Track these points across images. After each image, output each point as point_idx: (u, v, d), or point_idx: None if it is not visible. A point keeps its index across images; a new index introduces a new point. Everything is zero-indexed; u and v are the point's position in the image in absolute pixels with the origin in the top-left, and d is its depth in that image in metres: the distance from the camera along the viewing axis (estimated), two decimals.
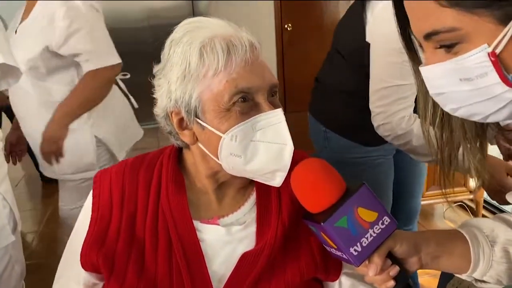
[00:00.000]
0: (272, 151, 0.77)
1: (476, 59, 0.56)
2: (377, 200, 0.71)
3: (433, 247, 0.73)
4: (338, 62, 1.48)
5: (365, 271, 0.72)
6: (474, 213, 2.58)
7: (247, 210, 0.87)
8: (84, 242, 0.84)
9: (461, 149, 0.78)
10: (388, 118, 1.26)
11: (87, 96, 1.74)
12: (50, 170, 1.82)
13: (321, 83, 1.59)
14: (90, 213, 0.86)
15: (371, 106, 1.30)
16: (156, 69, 0.85)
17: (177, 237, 0.81)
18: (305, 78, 4.20)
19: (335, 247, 0.72)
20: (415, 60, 0.70)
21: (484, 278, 0.73)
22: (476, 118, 0.62)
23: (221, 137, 0.76)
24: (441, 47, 0.58)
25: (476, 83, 0.57)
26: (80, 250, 0.83)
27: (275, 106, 0.79)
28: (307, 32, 4.62)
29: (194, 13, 4.67)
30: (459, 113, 0.63)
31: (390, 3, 1.22)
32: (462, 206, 2.87)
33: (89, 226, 0.85)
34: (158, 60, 0.85)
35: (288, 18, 4.60)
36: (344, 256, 0.71)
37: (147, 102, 0.90)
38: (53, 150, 1.73)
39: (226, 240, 0.83)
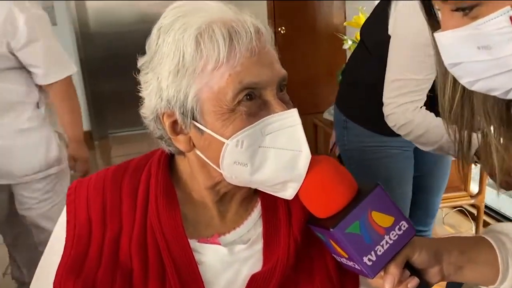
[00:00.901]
0: (285, 158, 0.65)
1: (497, 24, 0.49)
2: (393, 203, 0.63)
3: (456, 256, 0.65)
4: (363, 54, 1.53)
5: (380, 283, 0.63)
6: (475, 218, 2.53)
7: (251, 225, 0.76)
8: (58, 267, 0.70)
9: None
10: (395, 109, 1.30)
11: (77, 103, 1.87)
12: (11, 176, 1.77)
13: (346, 75, 1.66)
14: (65, 233, 0.74)
15: (384, 97, 1.33)
16: (141, 62, 0.72)
17: (171, 260, 0.69)
18: (299, 81, 4.21)
19: (346, 256, 0.63)
20: (434, 26, 0.62)
21: None
22: (495, 93, 0.56)
23: (224, 143, 0.65)
24: (458, 10, 0.52)
25: (496, 52, 0.51)
26: (53, 272, 0.71)
27: (285, 104, 0.68)
28: (301, 34, 4.57)
29: None
30: (476, 87, 0.57)
31: None
32: (462, 211, 2.82)
33: (64, 248, 0.72)
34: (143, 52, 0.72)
35: (281, 21, 4.55)
36: (356, 266, 0.63)
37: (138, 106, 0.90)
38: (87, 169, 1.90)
39: (228, 261, 0.72)
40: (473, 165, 2.46)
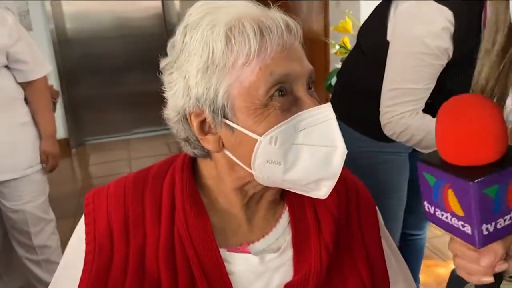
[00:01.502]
0: (319, 155, 0.64)
1: None
2: None
3: None
4: (358, 59, 1.50)
5: (474, 255, 0.58)
6: None
7: (280, 232, 0.75)
8: (81, 282, 0.67)
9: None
10: (393, 118, 1.28)
11: (50, 101, 2.01)
12: (15, 169, 1.86)
13: (340, 79, 1.62)
14: (84, 245, 0.70)
15: (381, 105, 1.31)
16: (164, 62, 0.70)
17: (201, 272, 0.67)
18: None
19: (462, 214, 0.56)
20: None
21: None
22: None
23: (257, 140, 0.63)
24: None
25: None
26: (71, 285, 0.68)
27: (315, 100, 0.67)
28: None
29: (165, 23, 4.58)
30: None
31: (414, 4, 1.23)
32: None
33: (85, 262, 0.69)
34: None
35: None
36: (466, 229, 0.56)
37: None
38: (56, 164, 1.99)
39: (260, 271, 0.71)
40: None
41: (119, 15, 4.43)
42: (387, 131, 1.32)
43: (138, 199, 0.72)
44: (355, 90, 1.51)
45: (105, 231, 0.70)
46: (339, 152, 0.64)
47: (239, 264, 0.71)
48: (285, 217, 0.76)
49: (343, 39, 2.61)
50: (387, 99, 1.30)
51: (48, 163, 1.97)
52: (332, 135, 0.64)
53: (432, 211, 0.61)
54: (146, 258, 0.69)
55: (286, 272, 0.71)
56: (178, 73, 0.67)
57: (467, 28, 1.22)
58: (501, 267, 0.58)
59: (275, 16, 0.66)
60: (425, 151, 1.33)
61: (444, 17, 1.20)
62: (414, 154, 1.53)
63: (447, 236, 0.62)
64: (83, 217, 0.74)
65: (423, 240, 1.87)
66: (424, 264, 2.01)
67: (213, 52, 0.63)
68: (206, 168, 0.74)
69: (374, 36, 1.40)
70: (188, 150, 0.73)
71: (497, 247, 0.57)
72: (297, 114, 0.64)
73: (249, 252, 0.72)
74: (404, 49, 1.26)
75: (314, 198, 0.70)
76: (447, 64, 1.25)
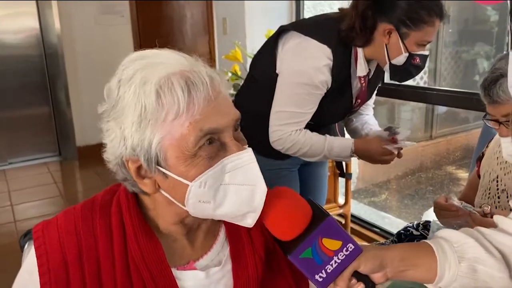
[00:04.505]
0: (243, 193, 0.72)
1: None
2: (341, 229, 0.75)
3: (397, 263, 0.77)
4: (252, 85, 1.69)
5: None
6: (344, 226, 2.89)
7: (220, 248, 0.83)
8: None
9: None
10: (281, 136, 1.52)
11: None
12: None
13: (237, 104, 1.74)
14: (37, 276, 0.73)
15: (271, 124, 1.54)
16: (101, 109, 0.74)
17: None
18: None
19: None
20: None
21: None
22: None
23: (188, 185, 0.70)
24: None
25: None
26: None
27: (240, 142, 0.75)
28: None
29: (44, 44, 4.35)
30: None
31: (299, 42, 1.44)
32: None
33: None
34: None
35: (146, 41, 4.55)
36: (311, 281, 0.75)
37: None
38: None
39: (206, 284, 0.79)
40: (340, 179, 2.84)
41: None
42: (277, 146, 1.54)
43: (89, 228, 0.76)
44: (250, 114, 1.65)
45: (60, 261, 0.73)
46: (260, 189, 0.73)
47: (188, 279, 0.78)
48: (222, 234, 0.85)
49: (234, 66, 2.79)
50: (276, 120, 1.53)
51: None
52: (254, 176, 0.73)
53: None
54: (103, 282, 0.73)
55: (227, 282, 0.80)
56: (115, 123, 0.72)
57: (341, 63, 1.49)
58: None
59: (201, 70, 0.71)
60: (311, 160, 1.60)
61: (325, 55, 1.46)
62: (302, 168, 1.78)
63: None
64: (32, 251, 0.75)
65: None
66: None
67: (145, 108, 0.68)
68: (147, 201, 0.80)
69: (265, 68, 1.60)
70: (128, 187, 0.78)
71: (340, 283, 0.75)
72: (223, 160, 0.71)
73: (196, 269, 0.80)
74: (292, 79, 1.49)
75: None
76: (326, 93, 1.51)
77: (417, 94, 2.33)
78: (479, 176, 1.48)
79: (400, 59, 1.48)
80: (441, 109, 5.33)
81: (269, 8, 3.26)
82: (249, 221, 0.75)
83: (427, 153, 5.19)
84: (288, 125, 1.51)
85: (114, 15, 4.43)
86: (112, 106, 0.73)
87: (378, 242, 2.35)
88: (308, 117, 1.52)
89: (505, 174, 1.34)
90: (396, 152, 1.58)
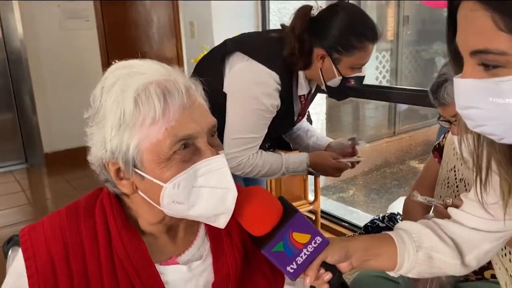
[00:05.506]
0: (215, 196, 0.76)
1: None
2: (309, 223, 0.83)
3: (361, 253, 0.85)
4: None
5: (307, 282, 0.82)
6: (314, 221, 2.98)
7: (201, 243, 0.89)
8: None
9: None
10: (240, 161, 1.56)
11: None
12: None
13: None
14: (25, 279, 0.76)
15: (227, 151, 1.53)
16: (86, 115, 0.80)
17: (141, 284, 0.79)
18: None
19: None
20: (457, 71, 0.68)
21: (409, 275, 0.89)
22: (493, 137, 0.65)
23: (163, 186, 0.75)
24: (482, 64, 0.60)
25: (505, 106, 0.59)
26: None
27: (215, 147, 0.79)
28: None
29: (6, 50, 4.26)
30: (478, 130, 0.65)
31: (248, 65, 1.54)
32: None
33: None
34: None
35: (114, 54, 4.53)
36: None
37: None
38: None
39: (188, 277, 0.84)
40: (309, 176, 2.93)
41: None
42: (236, 171, 1.57)
43: (75, 229, 0.81)
44: None
45: (47, 263, 0.77)
46: (232, 193, 0.77)
47: (171, 274, 0.83)
48: (202, 230, 0.90)
49: None
50: (233, 147, 1.55)
51: None
52: (226, 180, 0.77)
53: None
54: (90, 280, 0.77)
55: (208, 275, 0.86)
56: (97, 127, 0.78)
57: (287, 85, 1.57)
58: (326, 277, 0.82)
59: (178, 79, 0.77)
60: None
61: (274, 80, 1.51)
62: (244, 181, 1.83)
63: None
64: (19, 255, 0.79)
65: None
66: None
67: (124, 113, 0.74)
68: (128, 203, 0.85)
69: (212, 86, 1.61)
70: (110, 188, 0.84)
71: (309, 272, 0.81)
72: (196, 164, 0.75)
73: (178, 263, 0.85)
74: (245, 106, 1.54)
75: None
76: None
77: (380, 93, 2.43)
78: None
79: (335, 82, 1.55)
80: (402, 107, 5.54)
81: (236, 11, 3.31)
82: (222, 222, 0.80)
83: (391, 149, 5.38)
84: (245, 151, 1.56)
85: (79, 20, 4.38)
86: (95, 111, 0.78)
87: (346, 236, 2.45)
88: (262, 139, 1.58)
89: (461, 164, 1.45)
90: (350, 166, 1.67)
